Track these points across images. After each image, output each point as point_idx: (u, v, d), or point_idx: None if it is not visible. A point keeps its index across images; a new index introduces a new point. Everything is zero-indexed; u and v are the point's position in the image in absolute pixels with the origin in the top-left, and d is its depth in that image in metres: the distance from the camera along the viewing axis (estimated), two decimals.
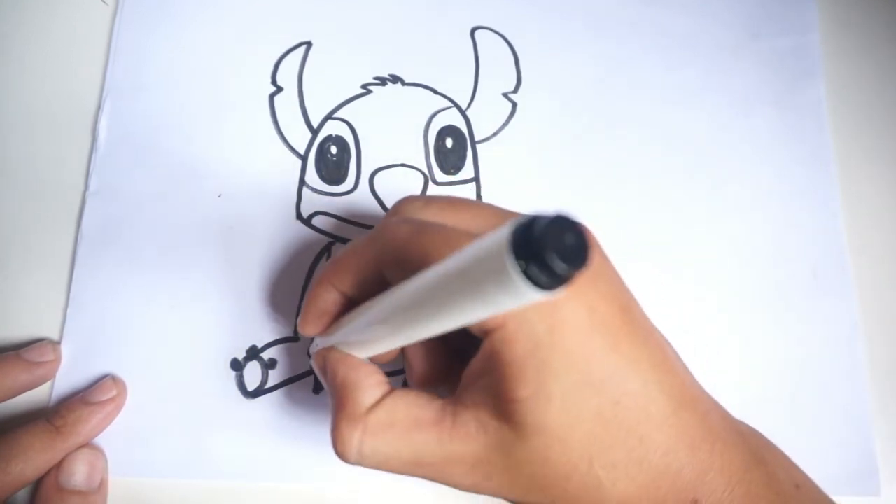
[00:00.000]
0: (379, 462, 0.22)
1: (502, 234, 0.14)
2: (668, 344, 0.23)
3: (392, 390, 0.23)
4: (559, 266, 0.14)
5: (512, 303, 0.15)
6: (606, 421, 0.21)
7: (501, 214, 0.23)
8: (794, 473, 0.24)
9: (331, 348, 0.24)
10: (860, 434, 0.30)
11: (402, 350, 0.25)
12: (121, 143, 0.33)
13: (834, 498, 0.29)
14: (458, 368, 0.24)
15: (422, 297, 0.18)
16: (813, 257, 0.32)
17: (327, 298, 0.24)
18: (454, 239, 0.21)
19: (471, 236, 0.21)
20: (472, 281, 0.16)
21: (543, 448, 0.21)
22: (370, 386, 0.23)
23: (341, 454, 0.22)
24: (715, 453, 0.22)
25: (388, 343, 0.22)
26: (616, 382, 0.21)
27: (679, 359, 0.23)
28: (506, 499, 0.23)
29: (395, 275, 0.22)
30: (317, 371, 0.25)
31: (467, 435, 0.21)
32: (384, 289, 0.22)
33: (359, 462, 0.22)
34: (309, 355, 0.28)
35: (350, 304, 0.25)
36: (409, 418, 0.22)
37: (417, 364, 0.25)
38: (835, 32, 0.36)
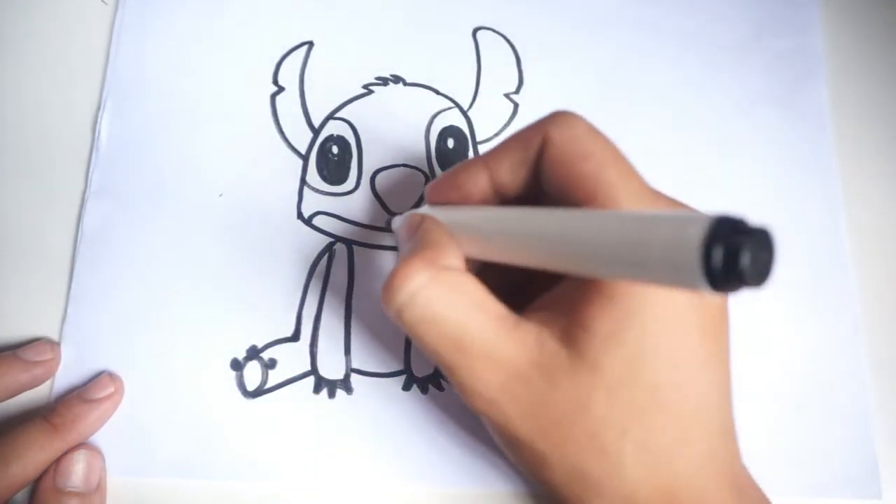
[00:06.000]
0: (424, 318, 0.20)
1: (702, 220, 0.14)
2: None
3: (470, 273, 0.22)
4: (748, 276, 0.14)
5: (674, 284, 0.15)
6: (660, 402, 0.20)
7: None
8: None
9: (434, 217, 0.23)
10: (861, 436, 0.30)
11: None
12: (122, 142, 0.33)
13: (835, 501, 0.29)
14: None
15: (575, 235, 0.18)
16: (814, 258, 0.32)
17: (474, 178, 0.23)
18: (623, 186, 0.21)
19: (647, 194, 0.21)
20: (645, 250, 0.15)
21: (588, 390, 0.20)
22: (455, 255, 0.22)
23: (393, 289, 0.20)
24: (734, 489, 0.21)
25: (496, 252, 0.21)
26: (688, 373, 0.20)
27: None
28: (514, 434, 0.21)
29: (550, 181, 0.22)
30: (400, 227, 0.24)
31: (522, 343, 0.20)
32: (529, 194, 0.22)
33: (406, 305, 0.20)
34: (387, 224, 0.31)
35: (488, 201, 0.24)
36: (477, 297, 0.21)
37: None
38: (836, 33, 0.36)
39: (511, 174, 0.23)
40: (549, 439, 0.20)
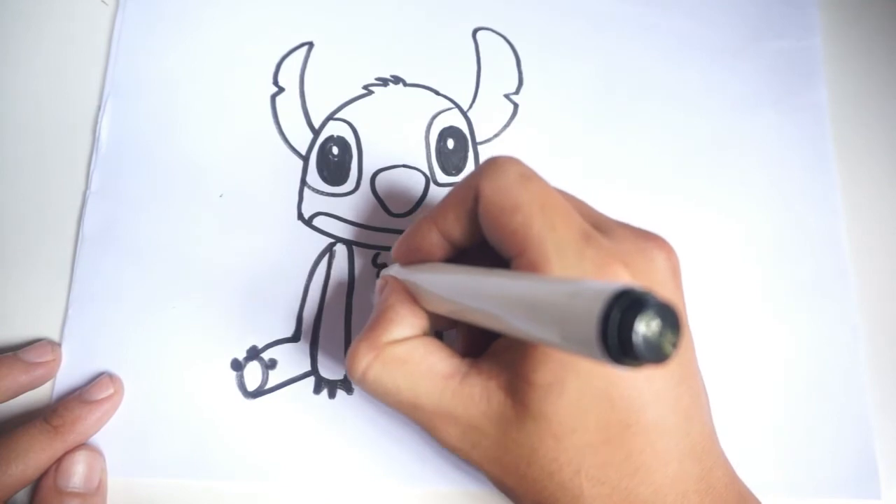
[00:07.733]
0: (377, 390, 0.23)
1: (600, 294, 0.14)
2: (704, 392, 0.23)
3: (422, 336, 0.23)
4: (642, 353, 0.14)
5: (582, 355, 0.15)
6: (609, 438, 0.20)
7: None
8: None
9: (397, 279, 0.25)
10: (860, 437, 0.30)
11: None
12: (122, 143, 0.33)
13: (835, 501, 0.29)
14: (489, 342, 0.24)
15: (495, 299, 0.19)
16: (813, 259, 0.32)
17: (426, 237, 0.24)
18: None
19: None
20: (548, 321, 0.16)
21: (537, 438, 0.21)
22: (406, 324, 0.23)
23: (348, 369, 0.23)
24: None
25: (445, 310, 0.23)
26: (635, 408, 0.20)
27: (707, 409, 0.23)
28: (486, 473, 0.23)
29: (487, 233, 0.22)
30: (376, 289, 0.26)
31: (469, 398, 0.22)
32: (485, 243, 0.22)
33: (360, 382, 0.23)
34: (377, 275, 0.30)
35: (455, 252, 0.24)
36: (422, 363, 0.22)
37: (461, 341, 0.25)
38: (836, 35, 0.36)
39: (458, 228, 0.23)
40: (513, 477, 0.22)
